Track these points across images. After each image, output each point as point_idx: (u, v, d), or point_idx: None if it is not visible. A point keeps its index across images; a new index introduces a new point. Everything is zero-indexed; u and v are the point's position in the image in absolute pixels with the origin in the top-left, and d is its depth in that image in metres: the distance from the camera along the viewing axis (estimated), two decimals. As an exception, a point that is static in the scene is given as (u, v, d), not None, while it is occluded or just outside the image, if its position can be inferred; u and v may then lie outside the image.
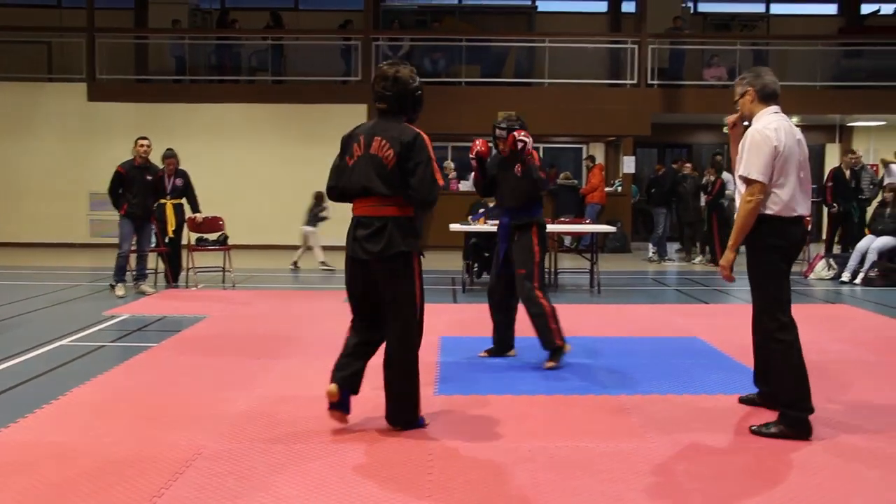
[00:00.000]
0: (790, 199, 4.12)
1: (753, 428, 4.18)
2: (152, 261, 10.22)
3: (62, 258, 13.65)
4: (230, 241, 10.75)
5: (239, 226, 13.64)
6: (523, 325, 5.94)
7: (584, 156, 17.66)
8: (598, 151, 17.97)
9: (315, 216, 12.26)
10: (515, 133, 5.73)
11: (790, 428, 4.08)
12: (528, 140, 5.71)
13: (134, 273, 9.48)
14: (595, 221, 13.73)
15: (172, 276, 10.15)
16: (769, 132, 4.11)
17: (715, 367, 5.76)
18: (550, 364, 5.69)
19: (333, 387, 4.20)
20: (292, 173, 15.70)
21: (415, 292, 4.15)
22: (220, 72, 16.51)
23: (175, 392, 5.00)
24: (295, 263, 12.27)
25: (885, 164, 13.76)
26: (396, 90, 4.20)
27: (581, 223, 11.65)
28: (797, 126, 4.29)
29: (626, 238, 15.74)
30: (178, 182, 10.06)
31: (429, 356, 5.99)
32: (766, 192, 4.10)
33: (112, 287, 9.34)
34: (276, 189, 15.72)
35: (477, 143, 5.85)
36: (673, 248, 14.90)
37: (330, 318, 7.76)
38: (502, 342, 6.07)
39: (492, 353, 6.05)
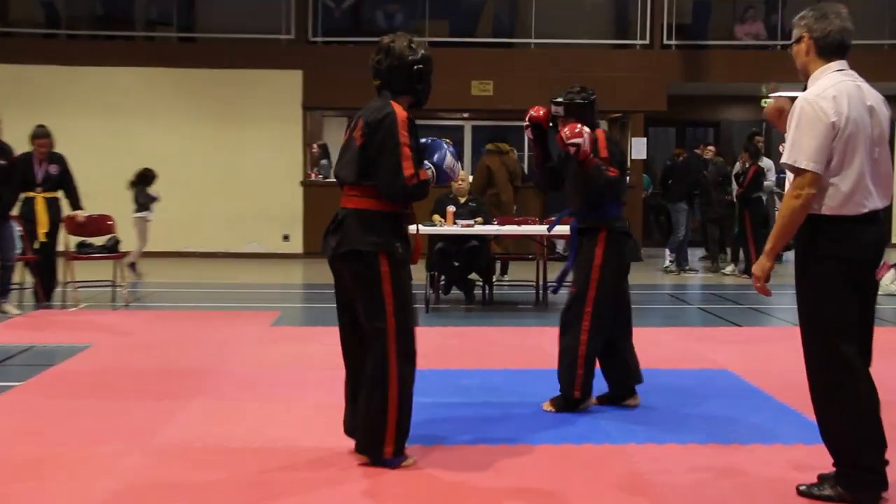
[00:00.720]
0: (854, 190, 3.90)
1: (802, 488, 4.18)
2: (17, 272, 10.07)
3: None
4: (122, 248, 10.64)
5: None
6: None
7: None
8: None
9: (147, 198, 12.39)
10: (565, 132, 5.49)
11: (849, 491, 4.06)
12: (583, 139, 5.44)
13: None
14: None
15: (44, 292, 10.05)
16: (824, 103, 3.89)
17: (750, 408, 5.79)
18: (549, 407, 5.68)
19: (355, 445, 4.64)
20: (206, 158, 15.63)
21: (383, 300, 4.40)
22: (109, 26, 16.37)
23: (44, 446, 4.91)
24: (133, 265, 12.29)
25: None
26: (389, 63, 4.57)
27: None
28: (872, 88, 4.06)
29: (636, 242, 15.80)
30: (53, 170, 9.96)
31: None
32: (820, 184, 3.89)
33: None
34: (184, 180, 15.59)
35: (532, 110, 5.80)
36: (696, 254, 15.02)
37: (250, 346, 7.73)
38: (614, 385, 5.88)
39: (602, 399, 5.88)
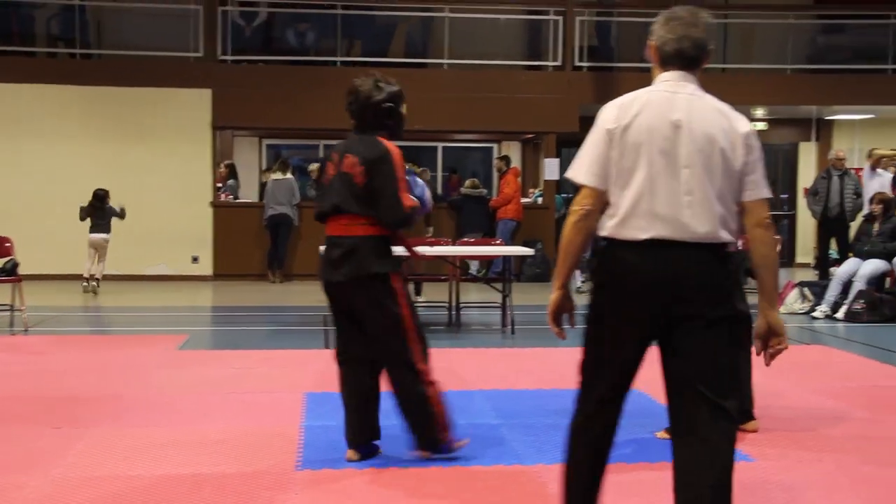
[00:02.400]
0: (631, 212, 3.37)
1: None
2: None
3: None
4: (22, 270, 10.42)
5: (34, 249, 13.24)
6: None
7: (496, 157, 17.91)
8: (512, 152, 18.29)
9: (108, 217, 13.14)
10: None
11: None
12: None
13: None
14: (509, 242, 13.92)
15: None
16: (607, 110, 3.48)
17: (658, 427, 5.87)
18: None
19: (350, 453, 5.07)
20: (109, 179, 15.29)
21: (401, 314, 4.91)
22: (7, 41, 16.02)
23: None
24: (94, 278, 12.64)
25: (873, 165, 13.92)
26: (358, 106, 5.04)
27: (491, 244, 11.78)
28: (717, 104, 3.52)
29: (549, 263, 15.99)
30: (-51, 190, 9.73)
31: (290, 419, 5.94)
32: (601, 200, 3.44)
33: None
34: (87, 200, 15.32)
35: None
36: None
37: (157, 370, 7.63)
38: None
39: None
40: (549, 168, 16.34)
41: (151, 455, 5.17)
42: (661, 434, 5.69)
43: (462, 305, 10.81)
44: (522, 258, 14.74)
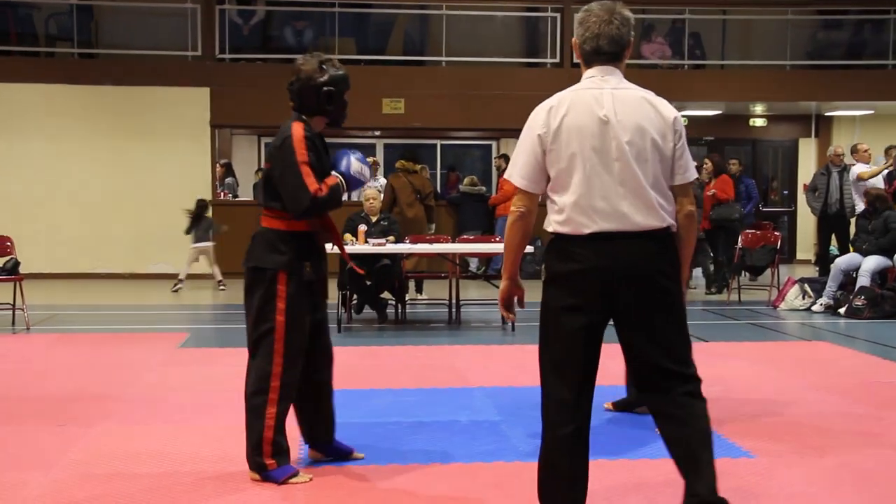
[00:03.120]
0: (573, 208, 3.52)
1: None
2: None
3: None
4: (22, 269, 10.43)
5: (35, 249, 13.26)
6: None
7: (495, 155, 17.92)
8: (511, 150, 18.27)
9: (207, 227, 13.68)
10: None
11: None
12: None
13: None
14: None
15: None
16: (537, 114, 3.63)
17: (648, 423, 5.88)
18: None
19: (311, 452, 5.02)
20: (110, 178, 15.41)
21: (272, 317, 4.60)
22: (6, 41, 16.04)
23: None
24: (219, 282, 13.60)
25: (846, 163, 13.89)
26: (299, 87, 4.70)
27: (490, 241, 11.79)
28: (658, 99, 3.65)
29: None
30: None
31: (290, 416, 5.94)
32: (535, 200, 3.62)
33: None
34: (87, 199, 15.36)
35: None
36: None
37: (158, 368, 7.65)
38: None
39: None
40: (548, 165, 16.32)
41: (153, 453, 5.19)
42: (608, 405, 6.10)
43: (462, 303, 10.82)
44: (522, 255, 14.72)
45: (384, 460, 5.03)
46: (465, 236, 12.71)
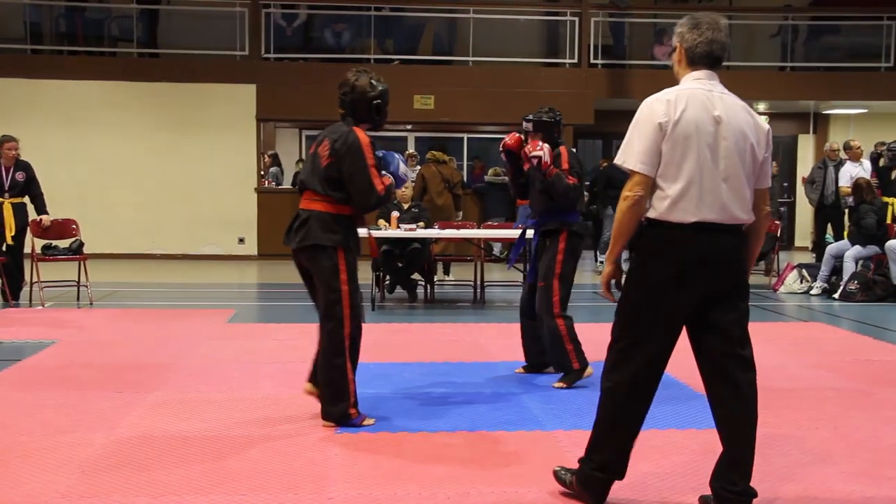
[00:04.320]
0: (681, 197, 3.54)
1: (556, 469, 4.04)
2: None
3: None
4: (86, 250, 10.51)
5: (97, 231, 13.35)
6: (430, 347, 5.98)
7: (517, 148, 17.83)
8: (533, 143, 18.20)
9: None
10: (528, 148, 6.07)
11: (579, 484, 3.86)
12: (543, 153, 6.01)
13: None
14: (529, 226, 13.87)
15: (11, 292, 9.91)
16: (657, 104, 3.61)
17: (668, 397, 5.84)
18: (560, 384, 6.10)
19: (308, 385, 5.27)
20: (165, 167, 15.48)
21: (339, 287, 4.93)
22: (73, 41, 16.15)
23: (10, 436, 4.84)
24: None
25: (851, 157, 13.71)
26: (352, 98, 5.10)
27: (513, 228, 11.75)
28: (746, 103, 3.74)
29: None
30: (20, 176, 9.84)
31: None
32: (650, 187, 3.59)
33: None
34: (145, 186, 15.45)
35: (507, 136, 6.34)
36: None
37: (208, 341, 7.67)
38: (534, 358, 6.50)
39: (527, 370, 6.52)
40: (566, 157, 16.26)
41: (204, 417, 5.22)
42: (558, 384, 6.11)
43: (486, 284, 10.82)
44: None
45: (414, 427, 5.04)
46: (489, 223, 12.68)
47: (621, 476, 3.83)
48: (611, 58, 16.68)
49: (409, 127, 17.61)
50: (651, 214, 3.59)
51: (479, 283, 10.63)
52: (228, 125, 15.68)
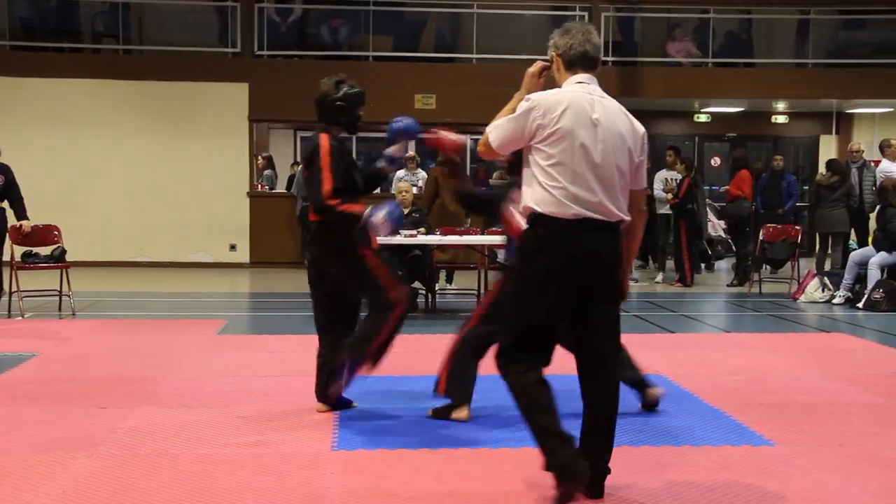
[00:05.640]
0: (561, 195, 3.93)
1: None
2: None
3: None
4: (69, 258, 10.51)
5: (81, 238, 13.36)
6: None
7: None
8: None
9: None
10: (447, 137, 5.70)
11: (561, 482, 4.02)
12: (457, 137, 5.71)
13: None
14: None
15: (-8, 301, 9.88)
16: (538, 104, 3.99)
17: (681, 411, 5.87)
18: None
19: (320, 405, 5.70)
20: (153, 170, 15.50)
21: (368, 268, 5.43)
22: (55, 37, 16.17)
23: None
24: None
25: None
26: (317, 101, 5.55)
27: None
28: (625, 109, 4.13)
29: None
30: (-1, 180, 9.83)
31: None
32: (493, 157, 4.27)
33: None
34: (131, 190, 15.46)
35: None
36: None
37: (197, 354, 7.68)
38: None
39: None
40: (575, 160, 16.28)
41: (192, 435, 5.22)
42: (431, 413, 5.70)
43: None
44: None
45: (414, 445, 5.04)
46: (493, 229, 12.67)
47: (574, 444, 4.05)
48: (622, 55, 16.69)
49: (409, 128, 17.63)
50: (537, 209, 3.93)
51: (482, 291, 10.62)
52: (220, 126, 15.69)
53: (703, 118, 19.02)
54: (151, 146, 15.52)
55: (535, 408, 4.05)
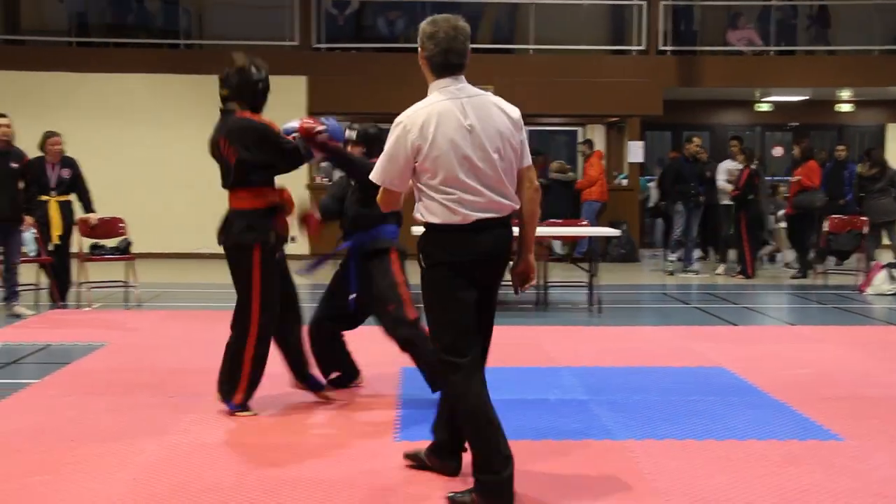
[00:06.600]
0: (453, 203, 3.98)
1: (450, 495, 4.11)
2: (32, 274, 10.11)
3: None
4: (134, 249, 10.68)
5: (145, 230, 13.52)
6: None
7: (580, 141, 17.79)
8: (596, 135, 18.14)
9: None
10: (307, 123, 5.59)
11: (482, 496, 3.97)
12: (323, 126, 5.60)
13: (3, 291, 9.41)
14: (594, 223, 13.83)
15: (59, 293, 10.06)
16: (411, 126, 3.97)
17: (746, 404, 5.82)
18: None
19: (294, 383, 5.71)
20: (213, 163, 15.59)
21: (250, 285, 5.37)
22: (117, 33, 16.41)
23: (61, 441, 4.95)
24: None
25: None
26: (238, 82, 5.54)
27: (577, 225, 11.73)
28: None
29: (634, 244, 15.88)
30: (65, 173, 9.98)
31: (387, 390, 6.03)
32: (400, 196, 4.16)
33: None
34: (193, 183, 15.60)
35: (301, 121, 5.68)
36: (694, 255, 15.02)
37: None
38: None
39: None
40: (634, 151, 16.21)
41: (259, 423, 5.29)
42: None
43: (549, 285, 10.79)
44: (607, 239, 14.68)
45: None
46: (551, 220, 12.65)
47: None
48: (681, 43, 16.53)
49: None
50: (431, 220, 4.01)
51: (542, 283, 10.60)
52: (278, 118, 15.60)
53: (764, 107, 18.79)
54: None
55: (479, 418, 4.09)
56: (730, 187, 13.33)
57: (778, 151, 19.22)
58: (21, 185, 9.31)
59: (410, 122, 3.98)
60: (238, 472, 4.44)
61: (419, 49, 4.11)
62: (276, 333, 5.55)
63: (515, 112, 4.19)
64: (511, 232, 4.11)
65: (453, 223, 3.98)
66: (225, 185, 5.59)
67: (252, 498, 4.09)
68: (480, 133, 3.99)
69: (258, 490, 4.18)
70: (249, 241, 5.39)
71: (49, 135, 9.96)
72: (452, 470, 4.37)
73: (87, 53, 15.94)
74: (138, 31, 16.65)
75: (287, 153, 5.39)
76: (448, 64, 4.06)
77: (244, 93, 5.50)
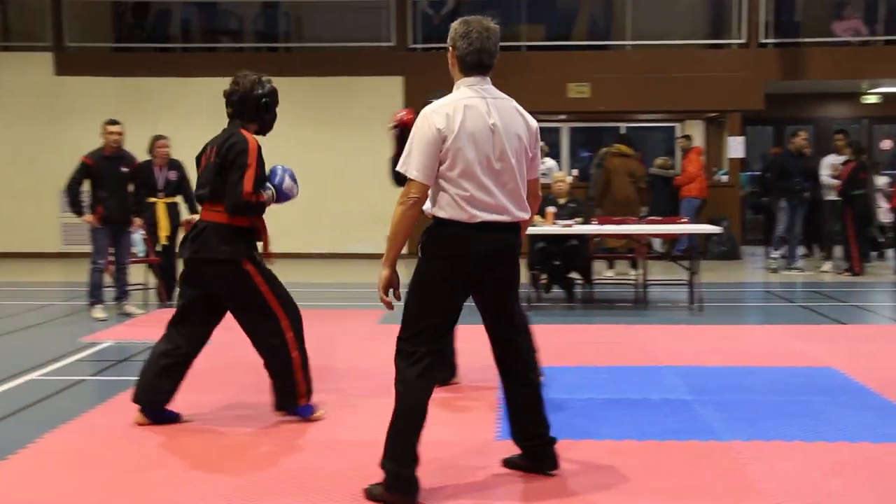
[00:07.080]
0: (466, 200, 4.06)
1: (367, 487, 4.17)
2: (140, 274, 10.36)
3: (28, 271, 13.94)
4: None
5: (245, 230, 13.79)
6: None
7: (678, 136, 17.56)
8: (695, 131, 17.85)
9: None
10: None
11: (387, 488, 4.07)
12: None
13: (115, 291, 9.66)
14: (694, 220, 13.63)
15: (166, 292, 10.26)
16: (436, 117, 4.05)
17: (856, 405, 5.68)
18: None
19: (138, 415, 5.28)
20: (313, 162, 15.84)
21: (260, 290, 5.36)
22: (219, 38, 16.76)
23: (171, 437, 5.08)
24: None
25: None
26: (239, 96, 5.45)
27: (676, 222, 11.57)
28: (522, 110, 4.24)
29: (735, 241, 15.59)
30: (172, 176, 10.20)
31: (488, 390, 6.02)
32: (426, 192, 4.09)
33: (89, 308, 9.50)
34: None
35: (402, 112, 6.15)
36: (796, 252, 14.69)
37: (364, 342, 7.87)
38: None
39: None
40: (734, 146, 15.93)
41: (360, 419, 5.38)
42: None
43: (648, 283, 10.67)
44: (708, 236, 14.45)
45: (578, 435, 5.03)
46: (650, 217, 12.52)
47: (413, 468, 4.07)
48: (783, 36, 16.16)
49: (562, 117, 17.54)
50: (438, 214, 4.10)
51: (642, 282, 10.48)
52: (375, 119, 15.87)
53: (872, 99, 18.25)
54: (311, 140, 15.90)
55: (412, 412, 4.15)
56: (834, 182, 13.01)
57: (887, 144, 18.67)
58: (131, 187, 9.60)
59: (438, 109, 4.07)
60: (346, 466, 4.50)
61: (450, 48, 4.21)
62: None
63: (534, 122, 4.30)
64: (517, 237, 4.19)
65: (459, 220, 4.05)
66: (202, 197, 5.40)
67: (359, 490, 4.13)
68: (502, 133, 4.09)
69: (365, 484, 4.22)
70: (238, 255, 5.32)
71: (157, 138, 10.22)
72: (549, 465, 4.41)
73: (191, 59, 16.31)
74: (239, 36, 16.99)
75: (237, 192, 5.23)
76: (480, 63, 4.17)
77: (245, 110, 5.48)
